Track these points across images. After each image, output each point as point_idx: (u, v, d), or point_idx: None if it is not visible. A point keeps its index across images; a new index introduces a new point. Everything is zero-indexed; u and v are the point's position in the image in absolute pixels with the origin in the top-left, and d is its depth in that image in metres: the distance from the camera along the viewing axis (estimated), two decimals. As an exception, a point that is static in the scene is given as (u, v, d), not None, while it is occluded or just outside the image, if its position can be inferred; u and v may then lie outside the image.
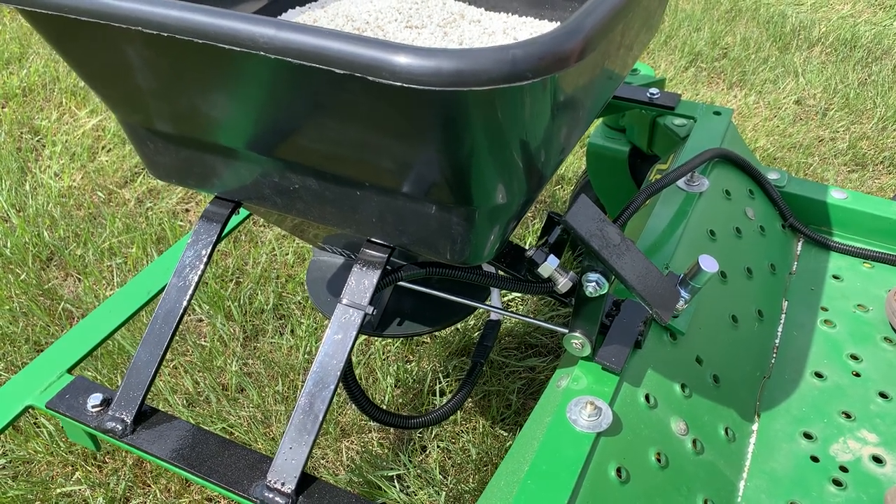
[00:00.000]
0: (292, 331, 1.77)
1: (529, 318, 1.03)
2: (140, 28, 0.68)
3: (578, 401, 0.92)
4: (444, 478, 1.48)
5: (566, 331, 0.96)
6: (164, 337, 0.93)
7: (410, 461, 1.51)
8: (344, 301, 0.89)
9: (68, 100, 2.56)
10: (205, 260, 0.97)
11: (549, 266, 0.91)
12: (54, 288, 1.87)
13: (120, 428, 0.90)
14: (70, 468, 1.49)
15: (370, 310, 0.88)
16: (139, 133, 0.94)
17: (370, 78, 0.59)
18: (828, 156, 2.37)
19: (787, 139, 2.42)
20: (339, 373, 0.86)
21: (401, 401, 1.63)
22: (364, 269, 0.91)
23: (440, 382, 1.64)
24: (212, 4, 1.12)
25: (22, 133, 2.40)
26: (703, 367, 1.07)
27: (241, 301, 1.81)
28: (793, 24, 3.05)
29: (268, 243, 1.99)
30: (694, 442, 0.98)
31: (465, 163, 0.71)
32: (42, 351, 1.69)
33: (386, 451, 1.53)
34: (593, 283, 0.88)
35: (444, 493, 1.45)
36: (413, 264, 0.94)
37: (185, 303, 0.94)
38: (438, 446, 1.53)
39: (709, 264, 0.94)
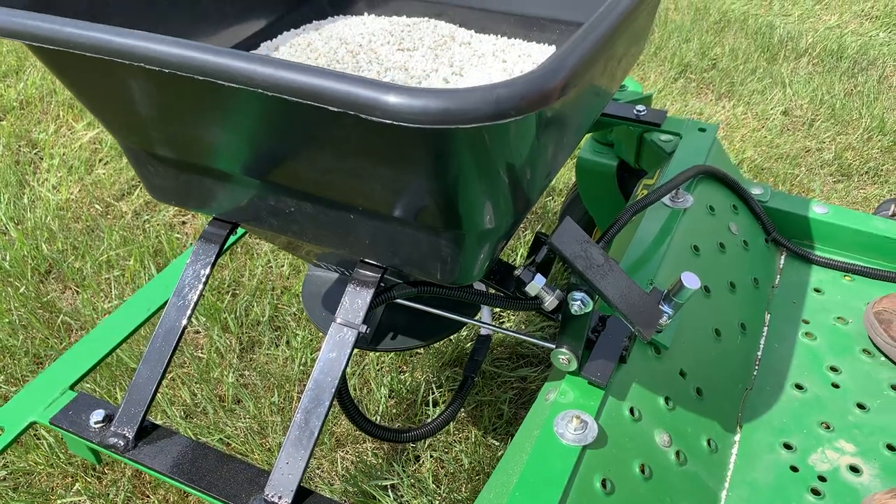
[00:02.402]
0: (288, 342, 1.80)
1: (519, 333, 1.06)
2: (141, 64, 0.71)
3: (565, 415, 0.95)
4: (438, 487, 1.51)
5: (553, 346, 0.99)
6: (165, 355, 0.96)
7: (404, 471, 1.54)
8: (338, 320, 0.92)
9: (65, 112, 2.59)
10: (203, 279, 1.00)
11: (535, 285, 0.95)
12: (53, 301, 1.90)
13: (122, 443, 0.93)
14: (70, 479, 1.52)
15: (363, 328, 0.92)
16: (138, 156, 0.98)
17: (363, 116, 0.63)
18: (814, 166, 2.41)
19: (775, 150, 2.46)
20: (333, 389, 0.89)
21: (395, 411, 1.66)
22: (357, 288, 0.94)
23: (433, 393, 1.67)
24: (215, 26, 1.15)
25: (20, 146, 2.43)
26: (686, 380, 1.11)
27: (238, 313, 1.84)
28: (780, 36, 3.09)
29: (263, 255, 2.02)
30: (677, 453, 1.01)
31: (453, 191, 0.75)
32: (42, 364, 1.73)
33: (380, 460, 1.56)
34: (578, 302, 0.92)
35: (437, 502, 1.48)
36: (405, 283, 0.97)
37: (184, 321, 0.97)
38: (432, 456, 1.57)
39: (691, 281, 0.98)
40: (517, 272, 0.95)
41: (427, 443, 1.59)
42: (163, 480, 0.91)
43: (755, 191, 1.45)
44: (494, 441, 1.60)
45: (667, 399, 1.05)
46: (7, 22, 0.75)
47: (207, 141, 0.85)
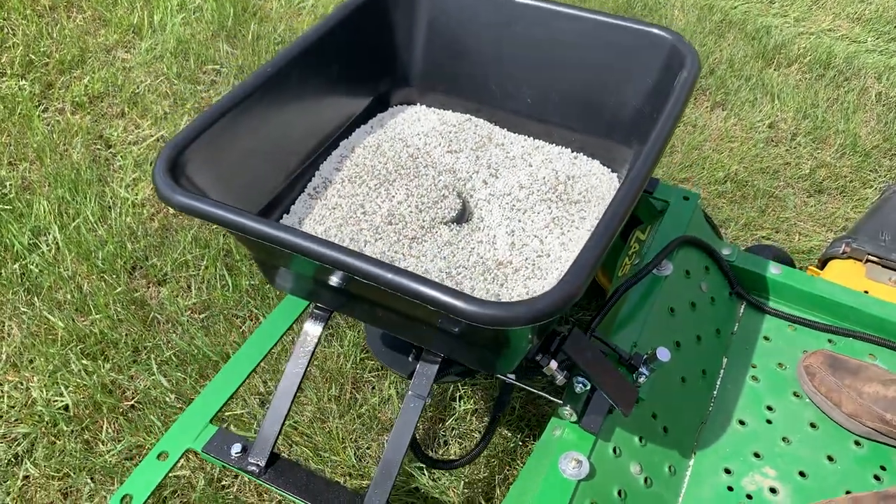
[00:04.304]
0: (340, 340, 2.19)
1: (534, 389, 1.45)
2: (304, 256, 1.06)
3: (567, 455, 1.34)
4: (462, 467, 1.93)
5: (561, 402, 1.39)
6: (284, 408, 1.35)
7: (435, 454, 1.96)
8: (410, 393, 1.31)
9: (130, 109, 2.90)
10: (311, 349, 1.38)
11: (550, 368, 1.33)
12: (142, 297, 2.28)
13: (256, 470, 1.33)
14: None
15: (428, 400, 1.30)
16: (267, 265, 1.34)
17: (451, 315, 0.99)
18: (791, 180, 2.75)
19: (758, 163, 2.79)
20: (407, 443, 1.29)
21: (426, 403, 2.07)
22: (425, 368, 1.33)
23: (459, 391, 2.08)
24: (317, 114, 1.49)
25: (95, 144, 2.76)
26: (656, 420, 1.50)
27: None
28: (776, 41, 3.36)
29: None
30: (646, 479, 1.41)
31: (505, 341, 1.12)
32: (139, 353, 2.12)
33: (417, 445, 1.98)
34: (580, 385, 1.31)
35: (462, 479, 1.91)
36: (459, 364, 1.36)
37: (298, 382, 1.36)
38: (459, 443, 1.98)
39: (663, 354, 1.38)
40: (537, 358, 1.33)
41: (454, 431, 2.01)
42: (289, 498, 1.31)
43: (725, 251, 1.81)
44: (507, 432, 2.01)
45: (640, 438, 1.45)
46: (212, 214, 1.10)
47: (328, 279, 1.22)
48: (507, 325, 0.97)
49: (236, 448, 1.36)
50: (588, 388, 1.31)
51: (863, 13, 3.62)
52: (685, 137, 2.89)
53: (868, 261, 2.07)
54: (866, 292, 1.95)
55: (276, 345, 1.61)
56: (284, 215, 1.47)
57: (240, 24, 3.35)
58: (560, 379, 1.34)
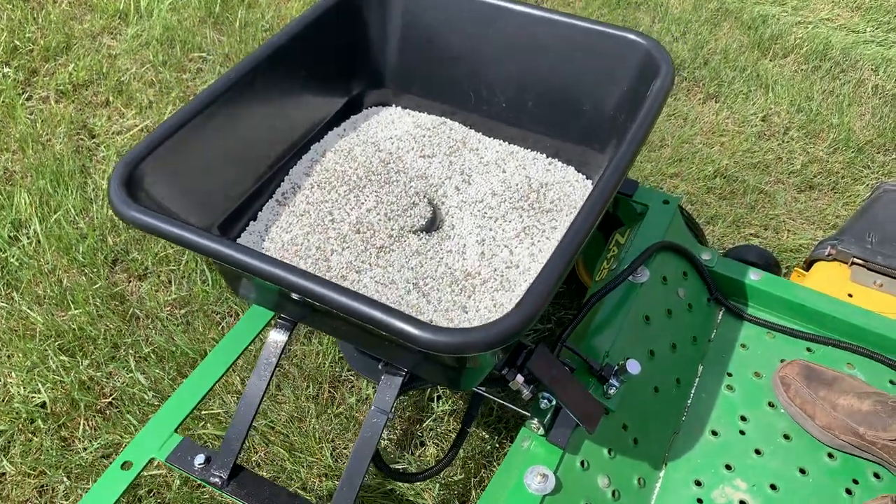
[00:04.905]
0: (319, 339, 2.18)
1: (504, 401, 1.44)
2: (258, 277, 1.04)
3: (532, 469, 1.33)
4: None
5: (528, 415, 1.37)
6: (248, 418, 1.34)
7: (412, 454, 1.95)
8: (373, 408, 1.30)
9: (115, 97, 2.87)
10: (275, 361, 1.37)
11: (517, 382, 1.31)
12: (122, 292, 2.26)
13: (219, 482, 1.32)
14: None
15: (391, 415, 1.29)
16: (229, 275, 1.32)
17: (408, 343, 0.97)
18: (782, 176, 2.72)
19: (749, 158, 2.76)
20: (369, 458, 1.27)
21: (406, 404, 2.06)
22: (388, 382, 1.31)
23: (437, 391, 2.07)
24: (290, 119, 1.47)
25: (79, 134, 2.73)
26: (627, 432, 1.49)
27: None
28: (772, 31, 3.31)
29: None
30: (614, 492, 1.40)
31: (465, 360, 1.10)
32: (118, 349, 2.11)
33: (394, 446, 1.98)
34: (545, 401, 1.29)
35: (437, 483, 1.90)
36: (423, 378, 1.34)
37: (262, 393, 1.35)
38: (435, 443, 1.98)
39: (633, 367, 1.37)
40: (503, 372, 1.31)
41: (431, 432, 2.00)
42: (251, 511, 1.31)
43: (704, 256, 1.79)
44: (484, 434, 2.00)
45: (610, 450, 1.44)
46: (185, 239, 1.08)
47: (288, 293, 1.20)
48: (462, 352, 0.96)
49: (199, 459, 1.35)
50: (553, 403, 1.30)
51: (863, 1, 3.56)
52: (675, 131, 2.85)
53: (854, 263, 2.04)
54: (850, 296, 1.93)
55: (251, 343, 1.60)
56: (252, 222, 1.45)
57: (227, 11, 3.31)
58: (526, 394, 1.32)
